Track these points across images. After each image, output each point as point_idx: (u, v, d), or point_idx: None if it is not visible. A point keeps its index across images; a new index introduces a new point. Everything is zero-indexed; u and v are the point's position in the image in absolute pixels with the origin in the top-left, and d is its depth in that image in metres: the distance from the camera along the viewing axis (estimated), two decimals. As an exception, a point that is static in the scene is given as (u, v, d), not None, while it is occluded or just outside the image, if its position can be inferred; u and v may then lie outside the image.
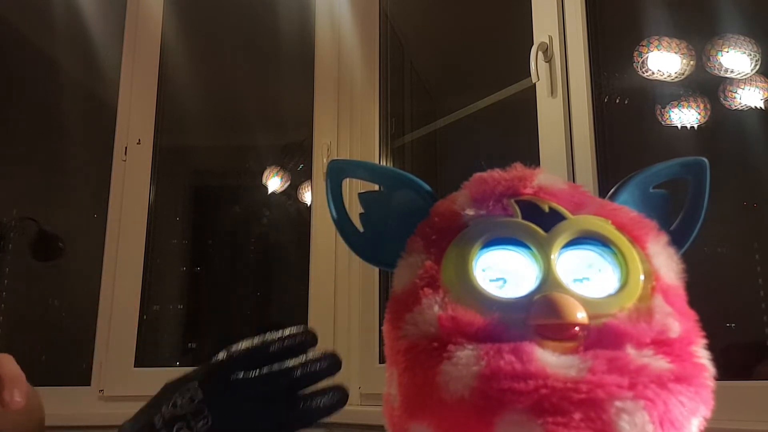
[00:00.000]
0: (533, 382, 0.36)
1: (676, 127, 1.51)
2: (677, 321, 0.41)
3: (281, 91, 2.46)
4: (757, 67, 1.39)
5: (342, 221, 0.52)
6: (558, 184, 0.48)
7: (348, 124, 1.94)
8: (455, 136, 1.95)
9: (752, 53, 1.39)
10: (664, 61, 1.46)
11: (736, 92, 1.43)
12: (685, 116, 1.51)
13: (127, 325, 1.84)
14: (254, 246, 2.70)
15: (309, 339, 0.46)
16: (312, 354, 0.45)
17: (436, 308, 0.41)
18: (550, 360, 0.37)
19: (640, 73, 1.47)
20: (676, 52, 1.46)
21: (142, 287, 1.88)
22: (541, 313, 0.40)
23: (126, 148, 1.96)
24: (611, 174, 1.30)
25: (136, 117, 1.99)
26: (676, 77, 1.47)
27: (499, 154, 1.71)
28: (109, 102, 2.02)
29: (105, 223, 1.91)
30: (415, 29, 2.18)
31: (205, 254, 2.69)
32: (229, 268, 2.66)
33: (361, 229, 0.52)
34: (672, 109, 1.52)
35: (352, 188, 0.54)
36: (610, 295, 0.42)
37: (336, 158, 0.71)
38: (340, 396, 0.44)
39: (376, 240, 0.51)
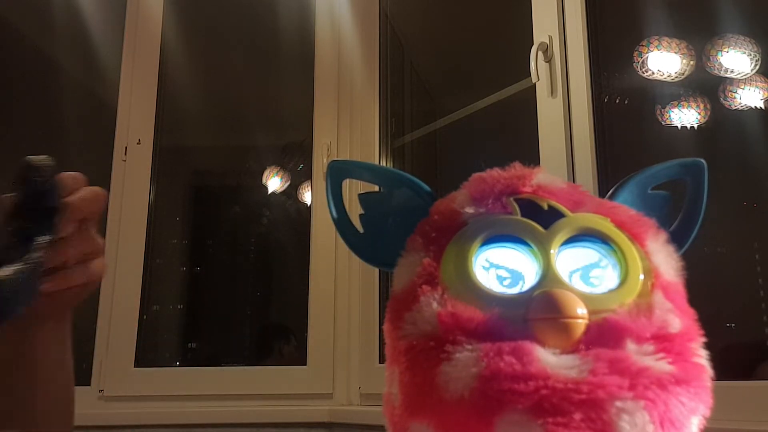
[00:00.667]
0: (533, 383, 0.36)
1: (676, 127, 1.51)
2: (677, 317, 0.41)
3: (281, 91, 2.47)
4: (757, 67, 1.39)
5: (342, 221, 0.52)
6: (557, 183, 0.48)
7: (348, 124, 1.95)
8: (455, 136, 1.96)
9: (752, 53, 1.39)
10: (664, 61, 1.46)
11: (736, 92, 1.43)
12: (685, 116, 1.51)
13: (127, 325, 1.84)
14: (254, 246, 2.70)
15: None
16: None
17: (434, 305, 0.41)
18: (551, 360, 0.37)
19: (640, 73, 1.48)
20: (676, 52, 1.46)
21: (142, 287, 1.89)
22: (541, 309, 0.40)
23: (126, 148, 1.96)
24: (611, 174, 1.31)
25: (136, 117, 1.99)
26: (676, 77, 1.47)
27: (499, 154, 1.71)
28: (109, 102, 2.03)
29: (105, 223, 1.92)
30: (415, 29, 2.18)
31: (205, 254, 2.69)
32: (229, 268, 2.66)
33: (361, 229, 0.52)
34: (672, 109, 1.52)
35: (352, 189, 0.54)
36: (610, 291, 0.42)
37: (336, 158, 0.71)
38: None
39: (376, 240, 0.51)
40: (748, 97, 1.42)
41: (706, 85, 1.48)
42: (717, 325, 1.19)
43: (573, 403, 0.35)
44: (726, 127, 1.52)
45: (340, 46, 2.01)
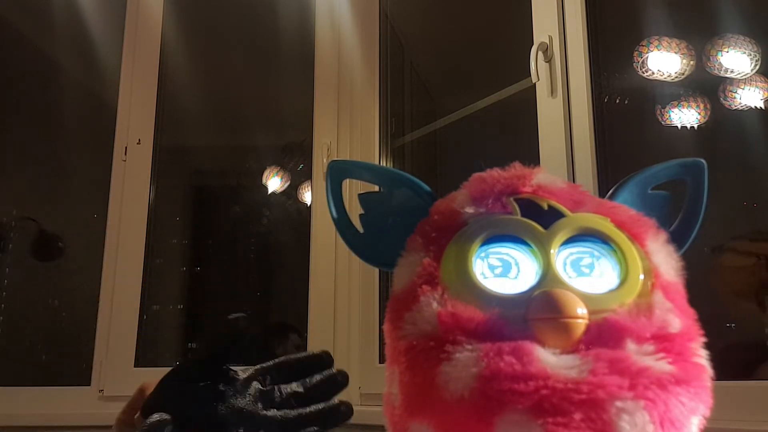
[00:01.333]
0: (533, 383, 0.36)
1: (676, 127, 1.51)
2: (677, 317, 0.41)
3: (281, 91, 2.46)
4: (757, 67, 1.39)
5: (342, 221, 0.52)
6: (557, 183, 0.48)
7: (348, 124, 1.94)
8: (455, 136, 1.96)
9: (752, 53, 1.39)
10: (664, 61, 1.46)
11: (736, 92, 1.43)
12: (685, 116, 1.51)
13: (127, 325, 1.84)
14: (254, 246, 2.70)
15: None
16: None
17: (434, 305, 0.41)
18: (551, 360, 0.37)
19: (640, 73, 1.47)
20: (676, 52, 1.46)
21: (142, 287, 1.88)
22: (541, 309, 0.40)
23: (126, 148, 1.96)
24: (611, 174, 1.31)
25: (136, 117, 1.99)
26: (676, 77, 1.47)
27: (499, 154, 1.71)
28: (109, 102, 2.02)
29: (105, 223, 1.92)
30: (415, 29, 2.18)
31: (205, 254, 2.69)
32: (229, 268, 2.66)
33: (361, 229, 0.52)
34: (672, 109, 1.52)
35: (352, 189, 0.54)
36: (610, 291, 0.42)
37: (336, 158, 0.71)
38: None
39: (376, 240, 0.51)
40: (748, 97, 1.42)
41: (706, 85, 1.47)
42: (717, 325, 1.19)
43: (573, 403, 0.35)
44: (726, 127, 1.52)
45: (340, 46, 2.00)
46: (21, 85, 2.54)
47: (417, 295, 0.42)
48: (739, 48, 1.40)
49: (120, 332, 1.83)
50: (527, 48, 1.40)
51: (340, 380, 0.60)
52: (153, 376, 0.56)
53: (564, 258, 0.44)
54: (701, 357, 0.41)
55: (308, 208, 2.02)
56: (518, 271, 0.44)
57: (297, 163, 2.38)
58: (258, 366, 0.58)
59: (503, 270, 0.44)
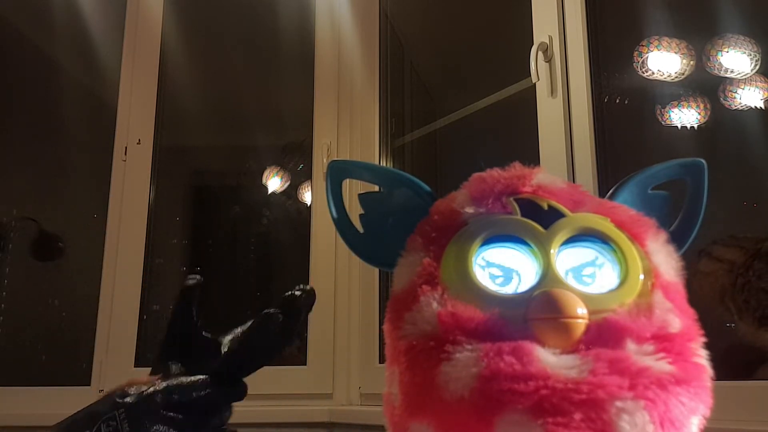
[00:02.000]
0: (533, 383, 0.36)
1: (676, 127, 1.51)
2: (677, 317, 0.41)
3: (281, 91, 2.46)
4: (757, 67, 1.39)
5: (342, 221, 0.52)
6: (557, 183, 0.48)
7: (348, 124, 1.94)
8: (455, 136, 1.96)
9: (752, 53, 1.39)
10: (664, 61, 1.46)
11: (736, 92, 1.43)
12: (685, 116, 1.51)
13: (127, 325, 1.84)
14: (254, 246, 2.70)
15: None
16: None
17: (434, 305, 0.41)
18: (551, 360, 0.37)
19: (640, 73, 1.47)
20: (676, 52, 1.46)
21: (142, 287, 1.88)
22: (541, 308, 0.40)
23: (126, 148, 1.96)
24: (611, 174, 1.30)
25: (136, 117, 1.99)
26: (676, 77, 1.47)
27: (499, 154, 1.71)
28: (109, 102, 2.02)
29: (105, 223, 1.92)
30: (415, 29, 2.18)
31: (205, 254, 2.69)
32: (229, 268, 2.66)
33: (361, 229, 0.52)
34: (672, 109, 1.52)
35: (353, 189, 0.54)
36: (610, 291, 0.42)
37: (336, 158, 0.71)
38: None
39: (376, 240, 0.51)
40: (748, 97, 1.42)
41: (706, 85, 1.47)
42: (717, 325, 1.19)
43: (573, 403, 0.35)
44: (726, 127, 1.51)
45: (340, 46, 2.01)
46: (21, 85, 2.54)
47: (417, 295, 0.42)
48: (739, 48, 1.40)
49: (120, 332, 1.83)
50: (527, 48, 1.40)
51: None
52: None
53: (566, 269, 0.44)
54: (701, 357, 0.41)
55: (308, 208, 2.02)
56: (519, 281, 0.44)
57: (297, 163, 2.38)
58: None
59: (504, 280, 0.44)
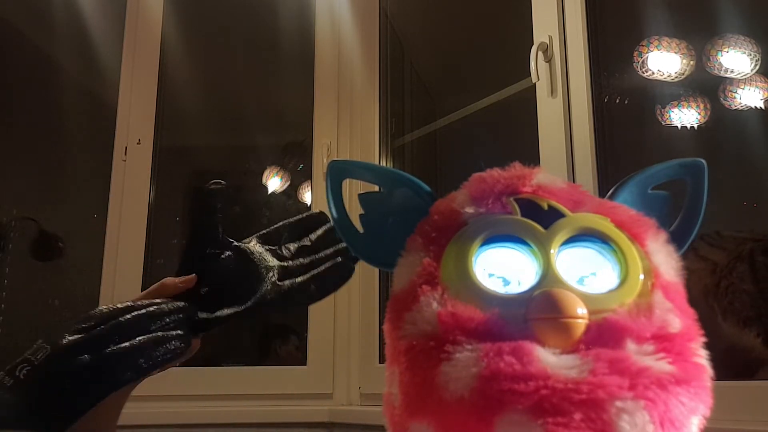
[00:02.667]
0: (533, 383, 0.36)
1: (676, 127, 1.51)
2: (677, 317, 0.41)
3: (281, 91, 2.46)
4: (757, 67, 1.39)
5: (342, 221, 0.52)
6: (557, 183, 0.48)
7: (348, 124, 1.94)
8: (455, 136, 1.96)
9: (752, 53, 1.39)
10: (664, 61, 1.46)
11: (736, 92, 1.43)
12: (685, 116, 1.51)
13: (127, 325, 1.83)
14: (254, 246, 2.69)
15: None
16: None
17: (434, 305, 0.41)
18: (551, 360, 0.37)
19: (640, 73, 1.47)
20: (676, 52, 1.46)
21: (142, 287, 1.88)
22: (541, 308, 0.40)
23: (126, 148, 1.96)
24: (611, 174, 1.31)
25: (136, 117, 1.99)
26: (676, 77, 1.47)
27: (499, 154, 1.71)
28: (109, 102, 2.02)
29: (105, 223, 1.91)
30: (415, 29, 2.18)
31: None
32: (229, 268, 2.65)
33: (361, 229, 0.52)
34: (672, 109, 1.52)
35: (352, 189, 0.54)
36: (610, 291, 0.42)
37: (336, 158, 0.71)
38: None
39: (376, 240, 0.51)
40: (748, 97, 1.42)
41: (706, 85, 1.47)
42: (717, 326, 1.19)
43: (573, 403, 0.35)
44: (726, 127, 1.52)
45: (340, 46, 2.01)
46: (21, 85, 2.54)
47: (417, 295, 0.42)
48: (739, 48, 1.40)
49: (120, 332, 1.82)
50: (527, 48, 1.40)
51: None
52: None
53: (566, 269, 0.44)
54: (701, 357, 0.41)
55: (308, 208, 2.02)
56: (519, 281, 0.44)
57: (297, 163, 2.38)
58: (256, 234, 0.60)
59: (504, 280, 0.44)
